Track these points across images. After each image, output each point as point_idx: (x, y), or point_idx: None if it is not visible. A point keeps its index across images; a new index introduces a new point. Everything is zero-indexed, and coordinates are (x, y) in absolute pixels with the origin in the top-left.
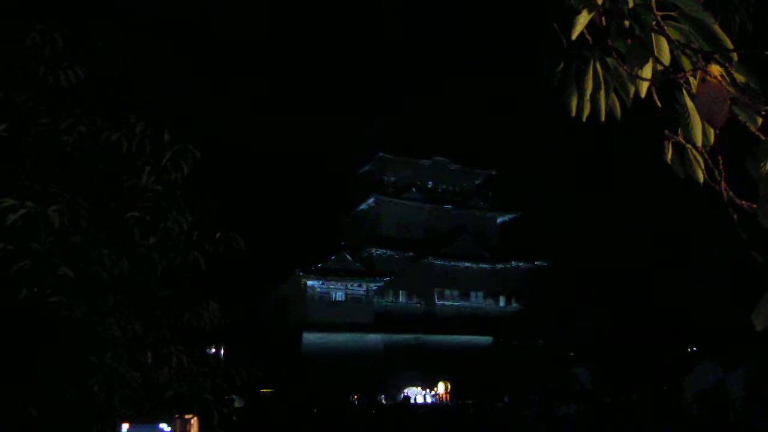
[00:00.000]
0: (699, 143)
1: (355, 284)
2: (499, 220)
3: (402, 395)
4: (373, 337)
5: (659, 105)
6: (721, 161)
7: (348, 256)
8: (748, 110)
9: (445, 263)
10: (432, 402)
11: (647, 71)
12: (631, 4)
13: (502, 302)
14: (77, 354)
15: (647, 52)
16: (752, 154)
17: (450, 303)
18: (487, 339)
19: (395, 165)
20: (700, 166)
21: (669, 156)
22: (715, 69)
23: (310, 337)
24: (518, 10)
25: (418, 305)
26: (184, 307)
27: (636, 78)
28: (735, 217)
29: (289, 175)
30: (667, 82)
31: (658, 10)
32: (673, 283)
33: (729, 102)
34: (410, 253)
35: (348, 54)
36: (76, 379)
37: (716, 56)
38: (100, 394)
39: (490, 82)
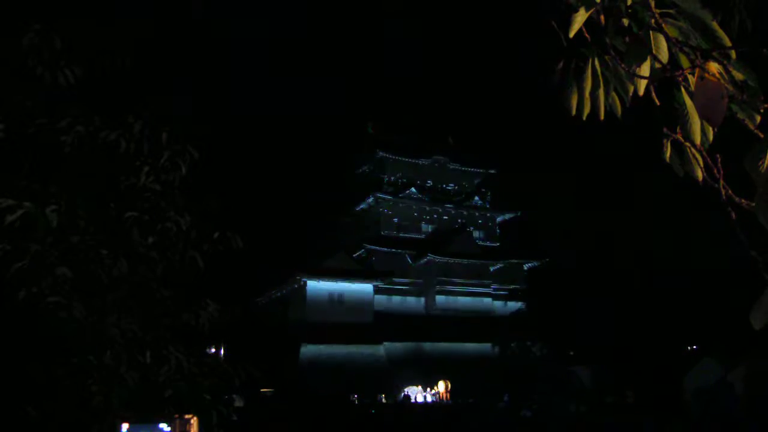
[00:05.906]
0: (698, 141)
1: (355, 284)
2: (499, 219)
3: (402, 394)
4: (373, 336)
5: (658, 103)
6: (719, 159)
7: (348, 256)
8: (746, 108)
9: (445, 262)
10: (432, 401)
11: (645, 69)
12: (629, 2)
13: (502, 301)
14: (76, 354)
15: (645, 50)
16: (750, 152)
17: (450, 302)
18: (487, 339)
19: (395, 164)
20: (698, 165)
21: (668, 154)
22: (714, 67)
23: (310, 337)
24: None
25: (418, 305)
26: (182, 307)
27: (634, 76)
28: (733, 215)
29: (289, 175)
30: (666, 80)
31: (656, 8)
32: (673, 281)
33: (727, 100)
34: (410, 253)
35: (348, 53)
36: (75, 379)
37: (715, 54)
38: (98, 395)
39: (491, 81)
